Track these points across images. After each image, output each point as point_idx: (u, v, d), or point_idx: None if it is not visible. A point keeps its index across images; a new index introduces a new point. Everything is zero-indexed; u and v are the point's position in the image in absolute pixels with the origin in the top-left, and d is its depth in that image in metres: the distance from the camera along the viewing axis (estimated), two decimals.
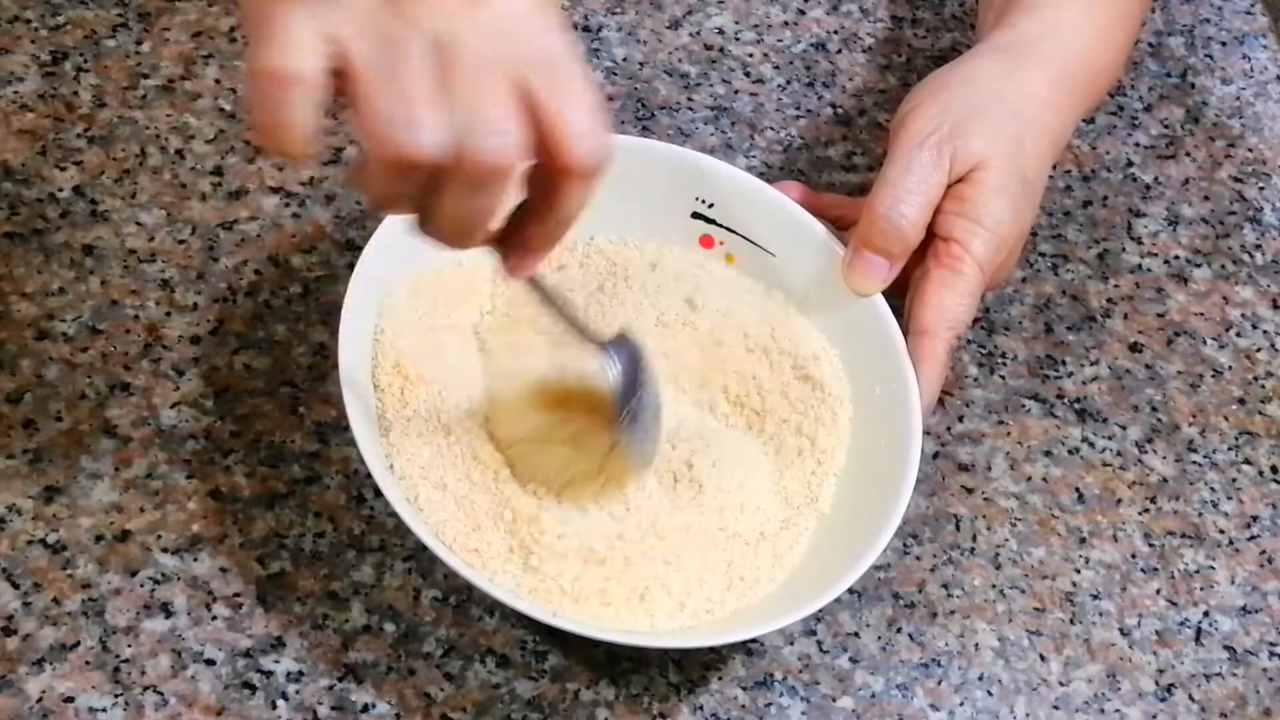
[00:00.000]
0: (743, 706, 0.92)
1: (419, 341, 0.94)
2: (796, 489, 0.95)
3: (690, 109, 1.15)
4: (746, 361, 0.98)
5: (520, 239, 0.79)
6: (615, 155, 0.99)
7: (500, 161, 0.73)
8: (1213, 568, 1.01)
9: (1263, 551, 1.02)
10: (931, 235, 0.98)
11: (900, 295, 0.98)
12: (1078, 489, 1.03)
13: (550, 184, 0.76)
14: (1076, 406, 1.06)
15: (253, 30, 0.72)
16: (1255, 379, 1.09)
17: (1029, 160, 0.99)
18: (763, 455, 0.96)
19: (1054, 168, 1.08)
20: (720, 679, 0.93)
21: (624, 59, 1.16)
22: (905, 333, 0.96)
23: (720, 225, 1.01)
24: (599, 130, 0.75)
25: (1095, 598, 0.99)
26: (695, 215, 1.01)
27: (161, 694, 0.87)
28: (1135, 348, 1.09)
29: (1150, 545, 1.01)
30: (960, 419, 1.04)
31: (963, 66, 1.03)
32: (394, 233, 0.92)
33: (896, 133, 0.99)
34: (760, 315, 0.99)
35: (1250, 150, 1.20)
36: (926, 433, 1.02)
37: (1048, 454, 1.04)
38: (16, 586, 0.89)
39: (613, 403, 0.89)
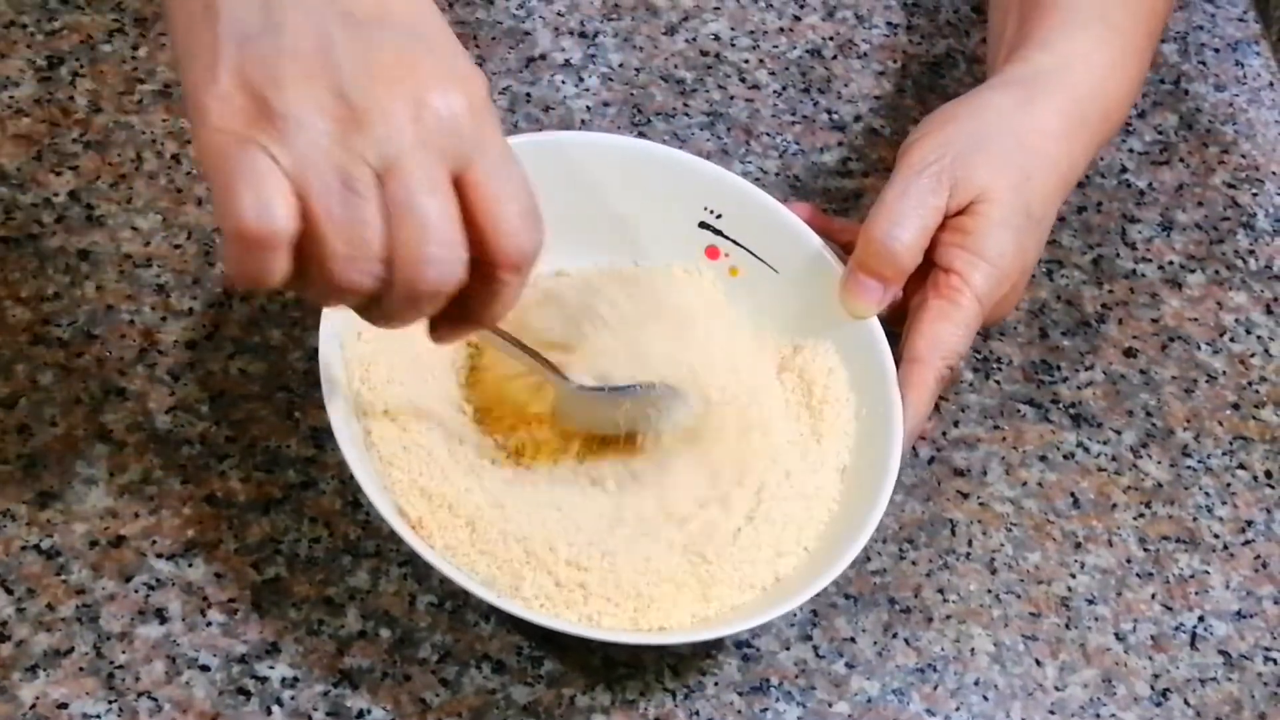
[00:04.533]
0: (739, 712, 0.92)
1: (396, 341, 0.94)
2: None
3: (686, 115, 1.15)
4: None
5: (452, 314, 0.80)
6: (629, 159, 0.99)
7: (445, 287, 0.76)
8: (1207, 572, 1.01)
9: (1257, 556, 1.02)
10: (933, 265, 0.98)
11: (899, 324, 0.98)
12: (1073, 494, 1.03)
13: (485, 269, 0.77)
14: (1071, 411, 1.06)
15: (214, 176, 0.72)
16: (1249, 384, 1.09)
17: (1035, 194, 0.99)
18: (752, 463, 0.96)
19: None
20: (716, 684, 0.93)
21: (620, 65, 1.16)
22: (899, 360, 0.96)
23: (727, 237, 1.01)
24: (532, 224, 0.77)
25: (1090, 602, 0.99)
26: (703, 225, 1.01)
27: (156, 700, 0.87)
28: (1130, 353, 1.09)
29: (1145, 550, 1.01)
30: (955, 424, 1.04)
31: (973, 99, 1.02)
32: None
33: (899, 160, 0.99)
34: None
35: (1243, 156, 1.21)
36: (921, 438, 1.02)
37: (1043, 459, 1.04)
38: (10, 592, 0.89)
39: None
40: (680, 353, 0.97)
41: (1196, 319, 1.12)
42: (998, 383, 1.06)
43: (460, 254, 0.75)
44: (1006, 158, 0.99)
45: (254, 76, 0.72)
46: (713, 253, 1.01)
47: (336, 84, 0.72)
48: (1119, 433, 1.06)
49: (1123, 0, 1.07)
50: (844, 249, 1.00)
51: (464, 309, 0.79)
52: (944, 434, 1.04)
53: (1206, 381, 1.09)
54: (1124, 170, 1.18)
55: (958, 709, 0.94)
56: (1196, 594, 1.00)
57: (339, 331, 0.92)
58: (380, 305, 0.77)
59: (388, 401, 0.92)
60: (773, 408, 0.97)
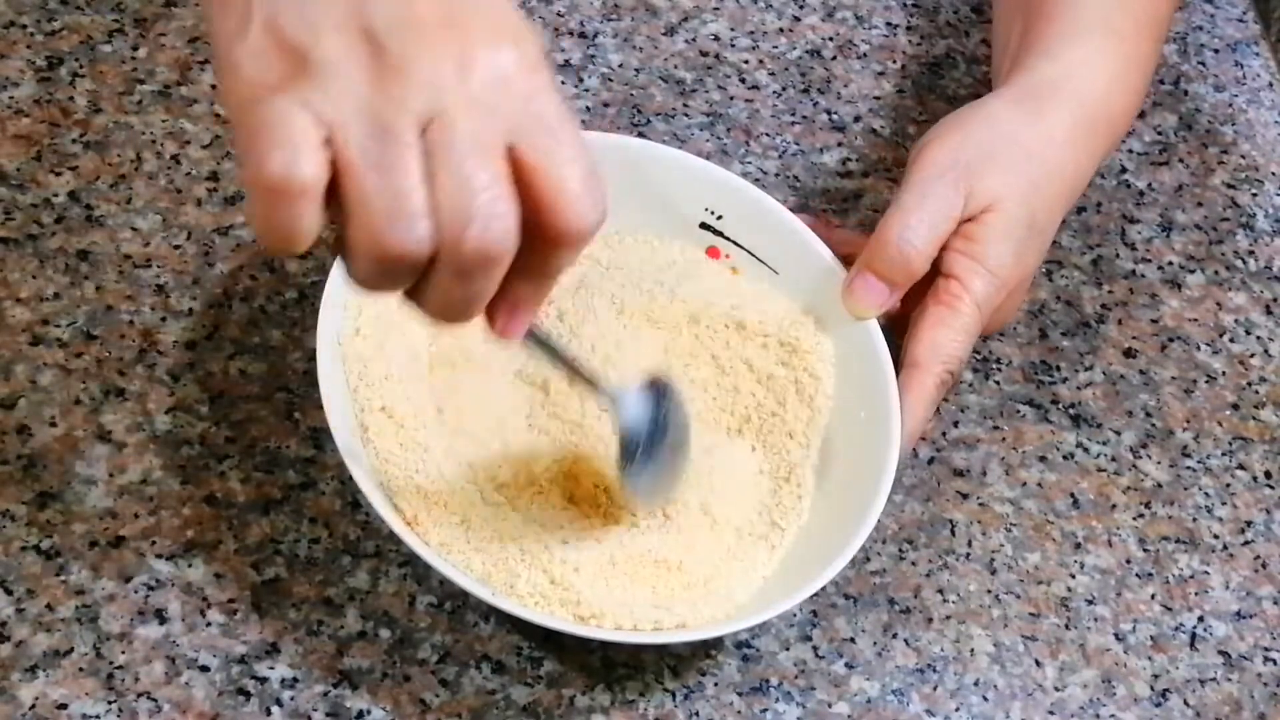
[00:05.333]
0: (739, 712, 0.92)
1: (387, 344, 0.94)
2: (779, 498, 0.96)
3: (686, 115, 1.15)
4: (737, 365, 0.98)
5: (507, 297, 0.76)
6: (629, 160, 0.99)
7: (493, 251, 0.71)
8: (1207, 573, 1.01)
9: (1257, 556, 1.02)
10: (935, 271, 0.98)
11: (902, 334, 0.98)
12: (1072, 494, 1.03)
13: (541, 245, 0.73)
14: (1071, 412, 1.06)
15: (242, 126, 0.69)
16: (1249, 384, 1.09)
17: (1041, 205, 0.99)
18: (748, 459, 0.96)
19: None
20: (716, 684, 0.93)
21: (620, 65, 1.16)
22: (899, 366, 0.96)
23: (727, 238, 1.01)
24: (594, 192, 0.73)
25: (1090, 603, 0.99)
26: (704, 225, 1.01)
27: (155, 700, 0.87)
28: (1129, 353, 1.09)
29: (1145, 551, 1.01)
30: (955, 424, 1.04)
31: (982, 108, 1.02)
32: None
33: (913, 163, 0.99)
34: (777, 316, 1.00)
35: (1243, 157, 1.21)
36: (921, 438, 1.02)
37: (1042, 459, 1.04)
38: (10, 593, 0.89)
39: (621, 446, 0.90)
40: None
41: (1196, 319, 1.12)
42: (997, 383, 1.06)
43: (512, 212, 0.71)
44: (1016, 168, 0.99)
45: (287, 29, 0.69)
46: (713, 253, 1.01)
47: (373, 35, 0.69)
48: (1118, 433, 1.06)
49: (1126, 7, 1.07)
50: (843, 261, 0.99)
51: (521, 287, 0.75)
52: (944, 434, 1.04)
53: (1206, 382, 1.09)
54: (1124, 171, 1.18)
55: (957, 709, 0.94)
56: (1196, 594, 1.00)
57: (338, 329, 0.92)
58: (429, 283, 0.73)
59: (385, 398, 0.92)
60: (770, 403, 0.97)
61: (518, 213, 0.71)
